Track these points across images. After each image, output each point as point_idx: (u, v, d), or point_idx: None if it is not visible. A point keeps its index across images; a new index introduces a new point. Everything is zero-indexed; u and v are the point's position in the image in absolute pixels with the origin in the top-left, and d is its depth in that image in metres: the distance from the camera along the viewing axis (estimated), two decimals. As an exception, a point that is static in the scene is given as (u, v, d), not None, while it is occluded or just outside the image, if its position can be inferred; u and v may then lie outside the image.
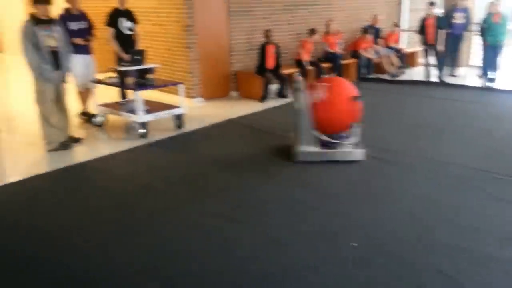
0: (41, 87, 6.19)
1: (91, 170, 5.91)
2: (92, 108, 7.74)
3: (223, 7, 9.49)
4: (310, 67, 10.28)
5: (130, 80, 7.23)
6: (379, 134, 6.91)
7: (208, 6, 9.28)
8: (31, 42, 5.96)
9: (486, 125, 7.50)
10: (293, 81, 6.00)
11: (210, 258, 3.79)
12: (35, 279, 3.57)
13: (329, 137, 5.96)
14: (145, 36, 9.15)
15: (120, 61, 7.82)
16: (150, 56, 7.99)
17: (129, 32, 8.13)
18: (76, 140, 6.76)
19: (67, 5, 7.49)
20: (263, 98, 9.34)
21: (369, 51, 11.63)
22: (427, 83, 11.12)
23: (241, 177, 5.54)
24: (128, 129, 7.46)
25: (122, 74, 7.25)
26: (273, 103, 9.16)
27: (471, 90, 10.30)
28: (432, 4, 11.03)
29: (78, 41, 7.35)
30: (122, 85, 7.46)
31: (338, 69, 10.82)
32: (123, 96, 8.23)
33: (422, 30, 11.18)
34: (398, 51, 12.41)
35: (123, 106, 7.58)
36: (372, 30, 11.84)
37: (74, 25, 7.41)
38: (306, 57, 10.25)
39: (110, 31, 7.99)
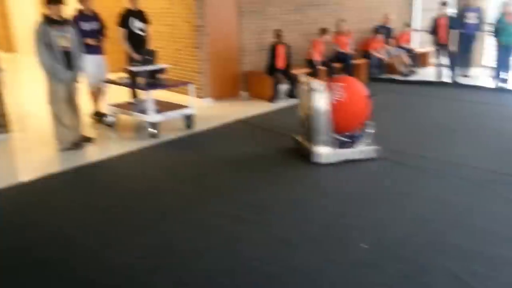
0: (53, 87, 6.23)
1: (102, 170, 5.95)
2: (104, 108, 7.78)
3: (233, 7, 9.50)
4: (321, 67, 10.26)
5: (141, 80, 7.26)
6: (390, 135, 6.88)
7: (219, 6, 9.30)
8: (44, 42, 6.01)
9: (499, 126, 7.46)
10: (306, 82, 5.97)
11: (218, 258, 3.81)
12: (45, 278, 3.60)
13: (344, 137, 5.99)
14: (156, 36, 9.19)
15: (131, 61, 7.86)
16: (160, 56, 8.02)
17: (140, 33, 8.16)
18: (88, 140, 6.81)
19: (79, 6, 7.55)
20: (273, 98, 9.34)
21: (380, 51, 11.59)
22: (439, 84, 11.05)
23: (250, 177, 5.55)
24: (139, 129, 7.50)
25: (133, 74, 7.28)
26: (283, 103, 9.15)
27: (484, 91, 10.23)
28: (444, 4, 10.96)
29: (90, 41, 7.41)
30: (133, 85, 7.50)
31: (349, 69, 10.78)
32: (134, 96, 8.27)
33: (434, 30, 11.11)
34: (409, 51, 12.36)
35: (134, 106, 7.62)
36: (383, 30, 11.80)
37: (86, 26, 7.47)
38: (317, 57, 10.24)
39: (122, 31, 8.03)
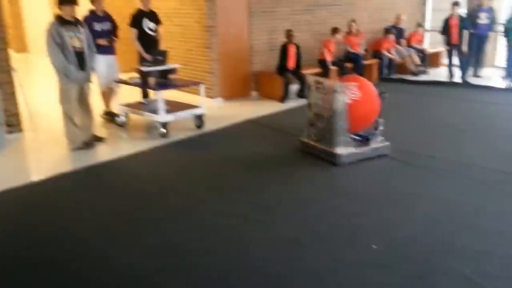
0: (65, 86, 6.28)
1: (113, 170, 5.99)
2: (115, 108, 7.83)
3: (244, 7, 9.52)
4: (333, 67, 10.26)
5: (152, 80, 7.30)
6: (400, 135, 6.86)
7: (230, 7, 9.33)
8: (56, 42, 6.05)
9: (508, 126, 7.43)
10: (325, 83, 5.94)
11: (227, 258, 3.82)
12: (55, 277, 3.62)
13: (358, 136, 6.03)
14: (167, 36, 9.22)
15: (142, 61, 7.90)
16: (171, 56, 8.05)
17: (152, 33, 8.20)
18: (99, 140, 6.86)
19: (91, 7, 7.61)
20: (283, 98, 9.35)
21: (391, 52, 11.57)
22: (450, 84, 11.01)
23: (260, 177, 5.56)
24: (150, 129, 7.54)
25: (145, 74, 7.32)
26: (293, 103, 9.15)
27: (495, 91, 10.18)
28: (456, 4, 10.92)
29: (102, 41, 7.46)
30: (144, 85, 7.53)
31: (360, 70, 10.76)
32: (145, 96, 8.32)
33: (445, 30, 11.07)
34: (421, 51, 12.33)
35: (144, 106, 7.66)
36: (395, 30, 11.77)
37: (98, 26, 7.52)
38: (329, 57, 10.24)
39: (134, 31, 8.07)
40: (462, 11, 11.43)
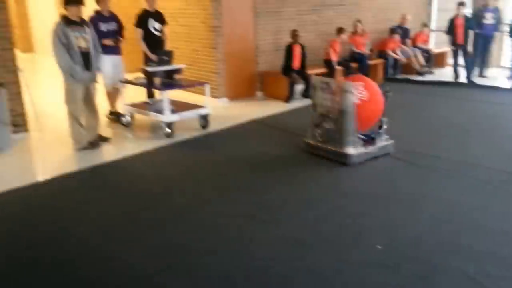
0: (71, 87, 6.30)
1: (118, 170, 6.01)
2: (120, 108, 7.85)
3: (250, 8, 9.53)
4: (338, 67, 10.27)
5: (157, 80, 7.32)
6: (405, 135, 6.87)
7: (235, 7, 9.34)
8: (62, 43, 6.07)
9: (514, 127, 7.41)
10: (338, 83, 5.92)
11: (232, 258, 3.83)
12: (57, 277, 3.64)
13: (364, 135, 6.04)
14: (172, 36, 9.25)
15: (148, 61, 7.92)
16: (177, 57, 8.06)
17: (157, 33, 8.21)
18: (105, 140, 6.88)
19: (97, 7, 7.64)
20: (288, 98, 9.35)
21: (396, 52, 11.55)
22: (455, 84, 10.99)
23: (265, 177, 5.57)
24: (155, 129, 7.56)
25: (150, 75, 7.34)
26: (298, 103, 9.16)
27: (500, 91, 10.15)
28: (461, 4, 10.89)
29: (108, 42, 7.48)
30: (149, 85, 7.55)
31: (365, 70, 10.77)
32: (151, 96, 8.34)
33: (451, 30, 11.05)
34: (426, 51, 12.32)
35: (150, 106, 7.68)
36: (400, 30, 11.76)
37: (104, 26, 7.55)
38: (334, 57, 10.24)
39: (139, 32, 8.09)
40: (468, 11, 11.40)
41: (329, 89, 5.87)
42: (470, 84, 10.85)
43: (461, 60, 11.21)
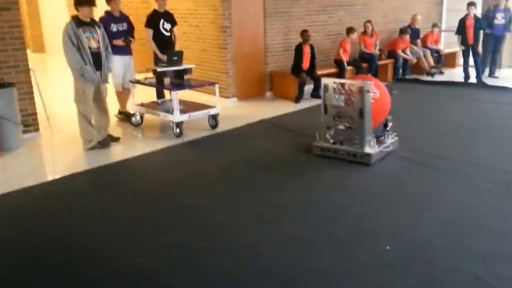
0: (81, 86, 6.34)
1: (126, 169, 6.04)
2: (130, 108, 7.89)
3: (259, 8, 9.54)
4: (348, 67, 10.27)
5: (167, 80, 7.35)
6: (413, 136, 6.86)
7: (245, 7, 9.36)
8: (73, 43, 6.12)
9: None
10: (357, 83, 5.88)
11: (240, 258, 3.83)
12: (61, 277, 3.65)
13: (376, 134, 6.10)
14: (182, 37, 9.29)
15: (158, 61, 7.96)
16: (186, 57, 8.10)
17: (167, 34, 8.24)
18: (115, 139, 6.92)
19: (108, 8, 7.68)
20: (297, 98, 9.35)
21: (406, 52, 11.52)
22: (465, 84, 10.94)
23: (273, 177, 5.57)
24: (164, 129, 7.59)
25: (160, 75, 7.37)
26: (308, 103, 9.16)
27: (510, 92, 10.06)
28: (471, 4, 10.84)
29: (118, 42, 7.53)
30: (159, 85, 7.59)
31: (375, 70, 10.76)
32: (160, 96, 8.37)
33: (461, 30, 11.00)
34: (437, 52, 12.27)
35: (159, 106, 7.72)
36: (410, 31, 11.72)
37: (114, 27, 7.61)
38: (345, 57, 10.24)
39: (149, 32, 8.12)
40: (478, 11, 11.35)
41: (344, 89, 5.86)
42: (480, 84, 10.79)
43: (471, 61, 11.15)
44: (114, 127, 7.50)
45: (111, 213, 4.73)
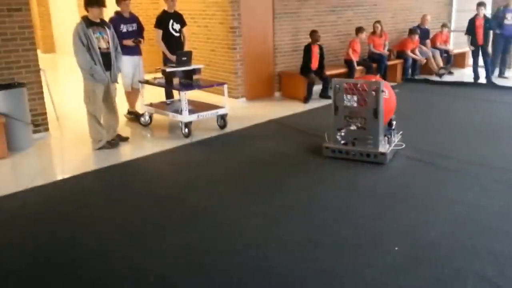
0: (91, 87, 6.37)
1: (136, 169, 6.06)
2: (140, 108, 7.92)
3: (268, 8, 9.55)
4: (358, 67, 10.26)
5: (176, 80, 7.37)
6: (423, 136, 6.84)
7: (254, 8, 9.37)
8: (83, 43, 6.15)
9: (535, 128, 7.32)
10: (372, 83, 5.88)
11: (248, 258, 3.83)
12: (81, 274, 3.68)
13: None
14: (191, 37, 9.31)
15: (167, 62, 7.99)
16: (195, 57, 8.11)
17: (177, 34, 8.26)
18: (124, 139, 6.95)
19: (118, 8, 7.72)
20: (306, 99, 9.35)
21: (415, 52, 11.49)
22: (475, 85, 10.89)
23: (282, 177, 5.56)
24: (173, 129, 7.61)
25: (169, 75, 7.40)
26: (316, 104, 9.15)
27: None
28: (481, 4, 10.80)
29: (128, 42, 7.57)
30: (168, 85, 7.61)
31: (384, 70, 10.74)
32: (169, 96, 8.40)
33: (470, 30, 10.95)
34: (446, 52, 12.23)
35: (168, 106, 7.74)
36: (419, 31, 11.67)
37: (124, 27, 7.65)
38: (354, 57, 10.23)
39: (158, 33, 8.15)
40: (487, 11, 11.30)
41: (356, 89, 5.85)
42: (490, 85, 10.74)
43: (481, 61, 11.10)
44: (123, 127, 7.54)
45: (119, 212, 4.74)
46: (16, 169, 6.10)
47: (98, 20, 6.33)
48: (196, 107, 7.44)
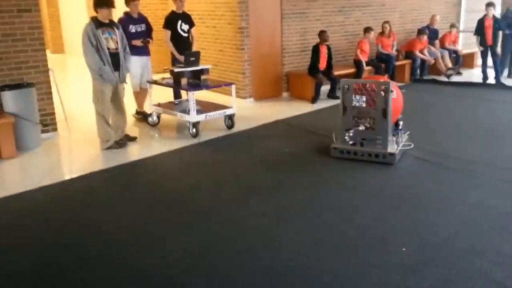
0: (99, 87, 6.40)
1: (143, 169, 6.08)
2: (148, 108, 7.95)
3: (276, 9, 9.55)
4: (367, 68, 10.25)
5: (184, 80, 7.39)
6: (431, 137, 6.82)
7: (262, 8, 9.37)
8: (92, 44, 6.18)
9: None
10: (381, 84, 5.87)
11: (254, 259, 3.83)
12: (87, 274, 3.69)
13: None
14: (200, 38, 9.33)
15: (175, 62, 8.01)
16: (203, 57, 8.13)
17: (185, 35, 8.28)
18: (132, 139, 6.98)
19: (127, 9, 7.75)
20: (314, 99, 9.35)
21: (424, 52, 11.45)
22: (484, 85, 10.84)
23: (289, 177, 5.56)
24: (181, 129, 7.63)
25: (177, 75, 7.42)
26: (324, 104, 9.14)
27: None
28: (490, 5, 10.75)
29: (137, 43, 7.60)
30: (176, 85, 7.63)
31: (392, 70, 10.71)
32: (177, 96, 8.42)
33: (479, 31, 10.90)
34: (455, 52, 12.18)
35: (176, 106, 7.76)
36: (428, 31, 11.63)
37: (133, 28, 7.68)
38: (363, 57, 10.22)
39: (167, 33, 8.17)
40: (496, 12, 11.25)
41: (365, 90, 5.84)
42: (499, 85, 10.68)
43: (490, 61, 11.05)
44: (131, 127, 7.56)
45: (125, 212, 4.76)
46: (24, 169, 6.14)
47: (107, 21, 6.35)
48: (204, 107, 7.45)
